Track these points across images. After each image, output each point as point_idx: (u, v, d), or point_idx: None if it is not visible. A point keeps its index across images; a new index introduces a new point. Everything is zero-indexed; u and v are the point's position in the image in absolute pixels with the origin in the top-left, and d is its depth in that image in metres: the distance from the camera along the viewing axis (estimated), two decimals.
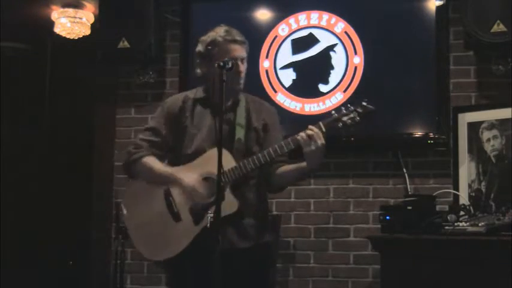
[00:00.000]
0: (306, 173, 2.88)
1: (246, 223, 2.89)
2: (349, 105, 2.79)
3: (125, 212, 3.02)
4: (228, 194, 2.78)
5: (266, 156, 2.80)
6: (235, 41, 2.91)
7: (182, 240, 2.84)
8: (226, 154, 2.76)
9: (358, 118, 2.75)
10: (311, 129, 2.74)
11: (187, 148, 2.94)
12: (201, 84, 3.06)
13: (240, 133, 2.91)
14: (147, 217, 2.94)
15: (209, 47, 2.93)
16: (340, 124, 2.77)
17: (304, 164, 2.83)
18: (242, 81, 2.96)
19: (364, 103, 2.77)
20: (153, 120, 3.06)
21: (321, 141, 2.73)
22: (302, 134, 2.75)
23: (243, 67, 2.93)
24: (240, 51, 2.92)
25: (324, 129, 2.75)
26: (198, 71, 3.00)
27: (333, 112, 2.81)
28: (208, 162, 2.82)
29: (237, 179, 2.81)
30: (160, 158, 2.99)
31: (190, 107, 2.99)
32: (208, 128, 2.92)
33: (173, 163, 2.97)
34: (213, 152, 2.77)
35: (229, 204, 2.76)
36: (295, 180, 3.04)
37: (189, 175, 2.86)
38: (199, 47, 2.98)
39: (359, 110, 2.76)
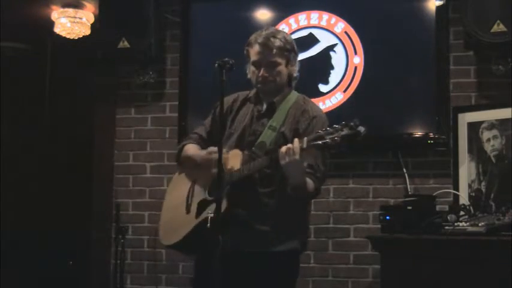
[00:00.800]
0: (293, 187, 2.80)
1: (257, 228, 2.86)
2: (340, 124, 2.66)
3: (166, 195, 3.19)
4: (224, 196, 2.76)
5: (257, 165, 2.80)
6: (265, 45, 2.91)
7: (183, 230, 2.92)
8: (236, 156, 2.82)
9: (338, 139, 2.62)
10: (293, 143, 2.68)
11: (224, 146, 2.95)
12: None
13: (266, 137, 2.91)
14: (173, 204, 3.08)
15: (246, 47, 2.99)
16: (321, 142, 2.65)
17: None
18: (270, 84, 2.94)
19: (352, 124, 2.63)
20: (207, 117, 3.18)
21: (294, 156, 2.65)
22: (283, 147, 2.70)
23: (264, 73, 2.91)
24: (267, 56, 2.91)
25: (304, 145, 2.67)
26: (247, 71, 3.03)
27: (322, 130, 2.70)
28: (224, 163, 2.83)
29: (236, 182, 2.80)
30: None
31: (237, 106, 3.05)
32: (243, 129, 2.98)
33: None
34: (231, 154, 2.88)
35: (224, 204, 2.74)
36: (295, 194, 2.85)
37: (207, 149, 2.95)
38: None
39: (344, 130, 2.63)
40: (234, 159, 2.85)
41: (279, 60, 2.93)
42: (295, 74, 3.04)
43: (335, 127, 2.66)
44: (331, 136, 2.64)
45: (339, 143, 2.63)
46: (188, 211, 2.95)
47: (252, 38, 2.98)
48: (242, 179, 2.82)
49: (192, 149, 3.09)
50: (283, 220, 2.89)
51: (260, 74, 2.92)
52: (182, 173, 3.15)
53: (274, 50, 2.91)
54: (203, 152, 2.99)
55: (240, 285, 2.84)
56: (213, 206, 2.75)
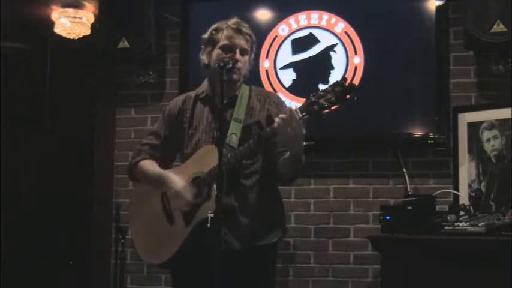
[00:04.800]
0: (292, 159, 2.74)
1: (243, 223, 2.84)
2: (330, 85, 2.63)
3: (130, 217, 3.07)
4: (213, 193, 2.71)
5: (243, 150, 2.75)
6: (239, 31, 2.89)
7: (174, 243, 2.82)
8: (215, 151, 2.70)
9: (334, 99, 2.58)
10: (285, 113, 2.64)
11: (187, 148, 2.95)
12: (206, 76, 3.03)
13: (235, 128, 2.85)
14: (146, 219, 2.97)
15: (213, 32, 2.93)
16: (316, 107, 2.61)
17: (288, 153, 2.76)
18: (239, 72, 2.89)
19: (342, 81, 2.60)
20: (156, 124, 3.11)
21: (294, 123, 2.60)
22: (277, 119, 2.65)
23: (239, 56, 2.87)
24: (241, 41, 2.88)
25: (299, 115, 2.63)
26: (203, 57, 2.97)
27: (311, 95, 2.66)
28: (199, 162, 2.83)
29: (223, 176, 2.68)
30: (161, 160, 3.01)
31: (191, 106, 2.99)
32: (206, 126, 2.92)
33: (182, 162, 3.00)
34: (204, 151, 2.84)
35: (212, 204, 2.69)
36: (289, 170, 2.82)
37: (177, 178, 2.86)
38: (205, 34, 2.97)
39: (336, 89, 2.60)
40: (211, 154, 2.75)
41: (248, 48, 2.92)
42: (248, 71, 2.99)
43: (325, 89, 2.63)
44: (324, 98, 2.60)
45: (335, 103, 2.60)
46: (172, 222, 2.86)
47: (221, 24, 2.92)
48: (232, 167, 2.76)
49: (150, 166, 2.98)
50: (265, 211, 2.88)
51: (236, 57, 2.85)
52: (141, 191, 3.05)
53: (247, 37, 2.91)
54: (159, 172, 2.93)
55: (230, 284, 2.73)
56: (203, 208, 2.73)
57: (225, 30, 2.90)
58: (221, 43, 2.89)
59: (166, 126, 3.03)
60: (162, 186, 2.89)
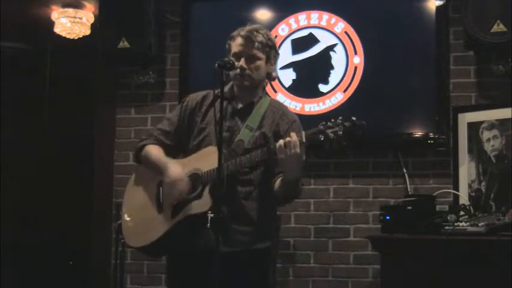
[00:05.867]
0: (287, 184, 2.77)
1: (236, 229, 2.84)
2: (338, 119, 2.67)
3: (125, 195, 3.10)
4: (205, 193, 2.78)
5: (243, 161, 2.77)
6: (248, 38, 2.90)
7: (156, 232, 2.87)
8: (213, 153, 2.73)
9: (341, 133, 2.63)
10: (290, 137, 2.66)
11: (194, 140, 2.97)
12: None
13: (244, 135, 2.88)
14: (138, 204, 3.01)
15: (229, 41, 2.98)
16: (322, 137, 2.65)
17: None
18: (250, 79, 2.91)
19: (353, 118, 2.65)
20: (173, 111, 3.14)
21: (294, 150, 2.63)
22: (281, 141, 2.68)
23: (244, 63, 2.88)
24: (248, 49, 2.89)
25: (304, 140, 2.66)
26: None
27: (321, 124, 2.70)
28: (200, 159, 2.85)
29: (217, 180, 2.70)
30: (169, 148, 3.03)
31: (210, 102, 3.00)
32: (216, 124, 2.91)
33: (186, 155, 3.01)
34: (208, 150, 2.85)
35: (203, 203, 2.76)
36: (285, 193, 2.84)
37: (177, 169, 2.88)
38: (226, 43, 3.02)
39: (346, 124, 2.64)
40: (213, 156, 2.75)
41: (260, 54, 2.92)
42: (274, 74, 3.02)
43: (335, 121, 2.65)
44: (332, 130, 2.63)
45: (341, 137, 2.62)
46: (160, 211, 2.90)
47: (235, 32, 2.97)
48: (230, 173, 2.77)
49: (154, 152, 3.00)
50: (256, 220, 2.88)
51: (239, 65, 2.88)
52: (142, 173, 3.07)
53: (256, 44, 2.91)
54: (165, 160, 2.94)
55: (219, 285, 2.71)
56: (191, 205, 2.77)
57: (235, 38, 2.94)
58: (232, 51, 2.94)
59: (181, 116, 3.05)
60: (161, 174, 2.92)
